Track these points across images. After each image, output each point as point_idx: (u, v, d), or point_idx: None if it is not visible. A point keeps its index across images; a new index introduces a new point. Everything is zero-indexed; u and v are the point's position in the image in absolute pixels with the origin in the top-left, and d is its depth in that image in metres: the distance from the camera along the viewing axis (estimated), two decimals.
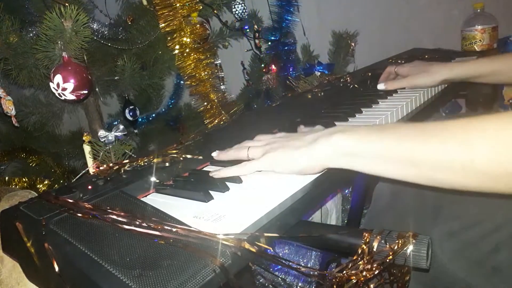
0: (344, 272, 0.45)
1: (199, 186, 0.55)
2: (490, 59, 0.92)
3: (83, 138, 0.68)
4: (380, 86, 0.98)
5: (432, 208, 0.66)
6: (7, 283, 0.59)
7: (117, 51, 1.36)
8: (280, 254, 1.06)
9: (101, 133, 0.64)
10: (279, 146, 0.57)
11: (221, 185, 0.54)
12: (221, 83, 1.45)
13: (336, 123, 0.76)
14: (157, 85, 1.61)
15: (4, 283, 0.59)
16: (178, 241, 0.41)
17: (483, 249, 0.58)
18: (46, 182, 1.34)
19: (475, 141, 0.42)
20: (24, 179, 1.31)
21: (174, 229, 0.42)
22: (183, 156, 0.63)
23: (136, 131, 1.63)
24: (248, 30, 1.60)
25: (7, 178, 1.32)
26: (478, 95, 1.28)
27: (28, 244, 0.45)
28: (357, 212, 1.08)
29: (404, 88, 0.98)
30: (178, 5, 1.13)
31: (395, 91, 0.97)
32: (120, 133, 0.65)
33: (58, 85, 0.90)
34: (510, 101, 1.33)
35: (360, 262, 0.46)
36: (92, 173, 0.62)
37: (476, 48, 1.44)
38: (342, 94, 1.03)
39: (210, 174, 0.59)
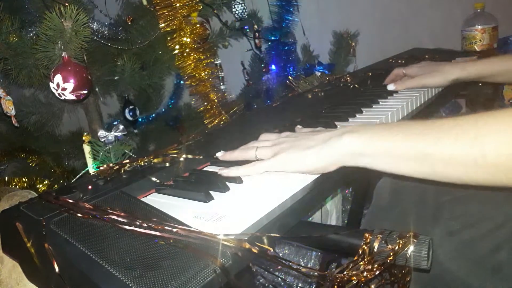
0: (345, 272, 0.45)
1: (200, 186, 0.55)
2: (501, 58, 0.92)
3: (83, 138, 0.68)
4: (390, 87, 0.98)
5: (433, 208, 0.66)
6: (7, 283, 0.59)
7: (117, 51, 1.36)
8: (281, 255, 1.06)
9: (101, 133, 0.64)
10: (289, 146, 0.57)
11: (221, 185, 0.54)
12: (221, 83, 1.45)
13: (337, 123, 0.76)
14: (157, 85, 1.61)
15: (4, 283, 0.59)
16: (178, 241, 0.41)
17: (483, 249, 0.58)
18: (46, 182, 1.34)
19: (487, 136, 0.43)
20: (24, 179, 1.31)
21: (174, 230, 0.42)
22: (183, 156, 0.63)
23: (136, 131, 1.63)
24: (248, 30, 1.60)
25: (7, 178, 1.32)
26: (478, 95, 1.28)
27: (28, 244, 0.45)
28: (357, 212, 1.08)
29: (411, 88, 0.98)
30: (178, 5, 1.13)
31: (396, 91, 0.97)
32: (120, 133, 0.65)
33: (58, 85, 0.90)
34: (510, 101, 1.33)
35: (361, 263, 0.46)
36: (92, 173, 0.62)
37: (476, 48, 1.44)
38: (342, 94, 1.03)
39: (219, 173, 0.58)
